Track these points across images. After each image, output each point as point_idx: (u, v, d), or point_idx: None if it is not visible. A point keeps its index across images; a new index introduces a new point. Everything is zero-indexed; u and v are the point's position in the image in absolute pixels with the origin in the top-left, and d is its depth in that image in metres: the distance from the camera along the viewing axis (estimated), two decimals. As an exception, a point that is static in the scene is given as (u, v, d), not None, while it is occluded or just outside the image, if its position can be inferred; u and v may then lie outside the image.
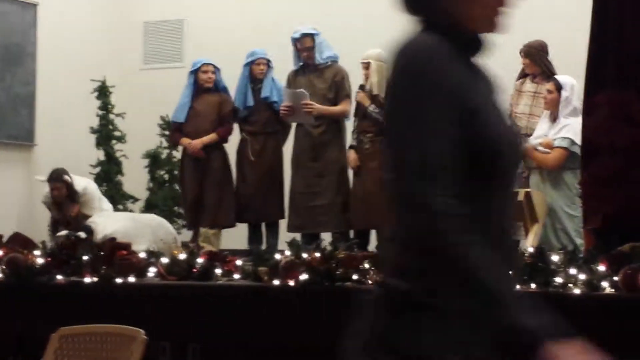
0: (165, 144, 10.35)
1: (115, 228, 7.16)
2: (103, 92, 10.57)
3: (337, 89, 8.65)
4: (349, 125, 8.73)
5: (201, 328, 5.67)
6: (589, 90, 5.99)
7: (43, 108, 10.51)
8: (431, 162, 2.10)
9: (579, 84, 7.09)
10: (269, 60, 8.92)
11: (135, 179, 10.46)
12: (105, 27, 11.35)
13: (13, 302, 6.13)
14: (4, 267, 6.31)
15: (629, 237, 5.21)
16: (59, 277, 6.13)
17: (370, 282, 5.42)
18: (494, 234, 2.18)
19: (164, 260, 6.14)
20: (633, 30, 5.76)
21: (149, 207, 10.19)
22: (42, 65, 10.57)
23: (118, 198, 10.19)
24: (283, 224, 8.77)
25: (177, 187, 9.83)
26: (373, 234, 8.47)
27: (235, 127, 9.03)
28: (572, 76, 7.58)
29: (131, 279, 6.02)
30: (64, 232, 7.29)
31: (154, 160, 10.49)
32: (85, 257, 6.14)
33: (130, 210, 10.14)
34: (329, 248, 5.78)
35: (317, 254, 5.65)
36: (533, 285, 4.98)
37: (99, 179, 10.06)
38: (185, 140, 8.91)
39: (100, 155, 10.49)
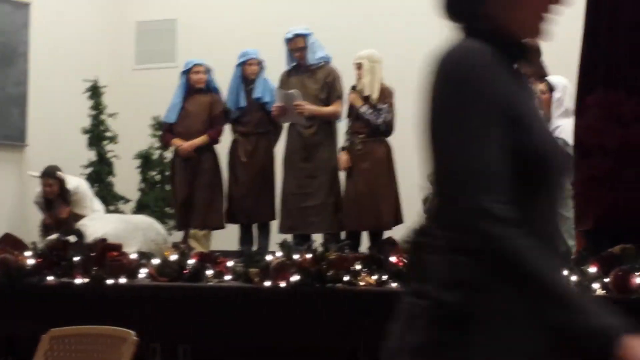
0: (157, 144, 10.34)
1: (105, 230, 7.16)
2: (95, 92, 10.56)
3: (329, 89, 8.65)
4: (341, 126, 8.73)
5: (192, 329, 5.67)
6: (581, 91, 5.99)
7: (35, 108, 10.48)
8: (477, 168, 2.07)
9: (571, 85, 7.09)
10: (261, 61, 8.92)
11: (127, 179, 10.45)
12: (97, 27, 11.33)
13: (3, 303, 6.12)
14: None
15: (620, 238, 5.21)
16: (50, 278, 6.12)
17: (362, 283, 5.41)
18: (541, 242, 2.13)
19: (155, 261, 6.13)
20: (624, 32, 5.76)
21: (140, 208, 10.18)
22: (34, 65, 10.55)
23: (109, 199, 10.17)
24: (274, 225, 8.77)
25: (168, 187, 9.82)
26: (365, 235, 8.47)
27: (227, 127, 9.03)
28: (564, 77, 7.58)
29: (122, 280, 6.01)
30: (54, 236, 7.27)
31: (145, 160, 10.47)
32: (76, 258, 6.13)
33: (122, 211, 10.12)
34: (320, 249, 5.78)
35: (308, 255, 5.65)
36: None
37: (91, 180, 10.03)
38: (177, 142, 8.90)
39: (92, 155, 10.47)
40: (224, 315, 5.65)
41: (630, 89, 5.73)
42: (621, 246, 5.01)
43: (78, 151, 10.27)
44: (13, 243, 6.54)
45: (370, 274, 5.53)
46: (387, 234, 7.94)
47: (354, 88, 8.55)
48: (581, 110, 5.98)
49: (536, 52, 8.15)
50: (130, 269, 6.10)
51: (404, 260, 5.49)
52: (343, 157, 8.48)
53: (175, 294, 5.87)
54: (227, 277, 6.00)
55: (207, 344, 5.62)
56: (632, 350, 1.99)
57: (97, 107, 10.53)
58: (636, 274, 4.70)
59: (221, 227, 8.92)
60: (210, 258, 6.15)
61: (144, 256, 6.29)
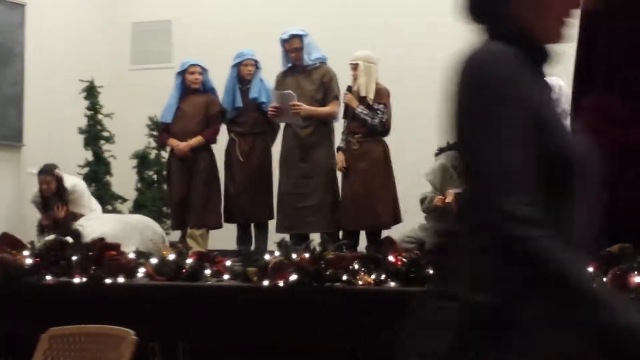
0: (153, 144, 10.35)
1: (103, 230, 7.16)
2: (91, 92, 10.56)
3: (325, 90, 8.66)
4: (338, 126, 8.75)
5: (191, 328, 5.67)
6: (577, 93, 6.01)
7: (31, 108, 10.48)
8: (501, 170, 2.07)
9: (567, 87, 7.11)
10: (256, 61, 8.94)
11: (124, 179, 10.45)
12: (93, 27, 11.33)
13: (2, 303, 6.12)
14: (-8, 267, 6.30)
15: (618, 238, 5.23)
16: (48, 277, 6.12)
17: (360, 282, 5.42)
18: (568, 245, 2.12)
19: (153, 260, 6.14)
20: (620, 34, 5.78)
21: (137, 208, 10.19)
22: (30, 65, 10.54)
23: (107, 198, 10.17)
24: (272, 224, 8.78)
25: (165, 187, 9.83)
26: (362, 235, 8.49)
27: (224, 127, 9.04)
28: (560, 79, 7.60)
29: (120, 280, 6.02)
30: (51, 237, 7.27)
31: (142, 160, 10.48)
32: (74, 258, 6.13)
33: (119, 211, 10.13)
34: (318, 249, 5.79)
35: (306, 255, 5.66)
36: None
37: (88, 179, 10.03)
38: (173, 142, 8.92)
39: (89, 155, 10.47)
40: (223, 314, 5.66)
41: (626, 91, 5.75)
42: (619, 245, 5.03)
43: (75, 151, 10.27)
44: (11, 242, 6.54)
45: (369, 273, 5.55)
46: (385, 233, 7.96)
47: (349, 89, 8.57)
48: (577, 113, 5.99)
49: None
50: (129, 269, 6.10)
51: (403, 259, 5.51)
52: (340, 158, 8.50)
53: (174, 293, 5.87)
54: (226, 277, 6.01)
55: (206, 343, 5.63)
56: None
57: (94, 107, 10.53)
58: (634, 273, 4.72)
59: (218, 226, 8.93)
60: (208, 257, 6.16)
61: (142, 256, 6.30)
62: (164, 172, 9.74)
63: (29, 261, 6.22)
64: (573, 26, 2.29)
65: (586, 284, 2.05)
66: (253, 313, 5.60)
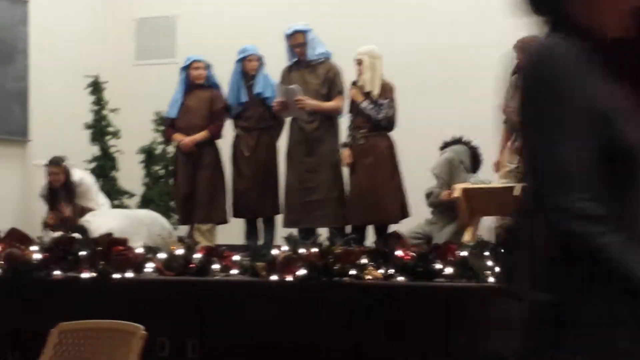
0: (159, 139, 10.36)
1: (110, 226, 7.16)
2: (96, 87, 10.57)
3: (330, 85, 8.66)
4: (343, 121, 8.75)
5: (200, 323, 5.67)
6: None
7: (36, 104, 10.48)
8: (563, 168, 2.07)
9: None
10: (260, 57, 8.94)
11: (131, 174, 10.46)
12: (97, 23, 11.34)
13: (10, 298, 6.12)
14: (1, 262, 6.30)
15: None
16: (57, 272, 6.12)
17: (369, 277, 5.41)
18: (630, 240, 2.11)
19: (161, 255, 6.13)
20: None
21: (144, 203, 10.20)
22: (34, 61, 10.54)
23: (114, 193, 10.19)
24: (279, 219, 8.79)
25: (172, 182, 9.83)
26: (370, 230, 8.49)
27: (229, 123, 9.04)
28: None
29: (129, 275, 6.01)
30: (58, 234, 7.27)
31: (148, 155, 10.49)
32: (82, 253, 6.12)
33: (127, 206, 10.14)
34: (326, 243, 5.79)
35: (315, 250, 5.65)
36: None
37: (95, 175, 10.04)
38: (178, 137, 8.93)
39: (95, 150, 10.49)
40: (232, 309, 5.65)
41: (633, 83, 5.73)
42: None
43: (81, 146, 10.28)
44: (19, 238, 6.54)
45: (377, 267, 5.54)
46: (394, 227, 7.96)
47: (354, 84, 8.57)
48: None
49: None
50: (137, 264, 6.10)
51: (411, 254, 5.50)
52: (345, 154, 8.50)
53: (182, 288, 5.87)
54: (234, 271, 6.00)
55: (214, 338, 5.62)
56: None
57: (99, 102, 10.53)
58: None
59: (224, 221, 8.94)
60: (216, 252, 6.15)
61: (150, 250, 6.29)
62: (171, 167, 9.75)
63: (37, 256, 6.22)
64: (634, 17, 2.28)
65: None
66: (261, 308, 5.60)
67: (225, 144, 9.03)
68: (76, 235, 6.82)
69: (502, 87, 8.29)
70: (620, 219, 2.10)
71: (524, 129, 2.17)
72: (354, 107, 8.54)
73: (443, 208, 8.32)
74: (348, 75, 8.69)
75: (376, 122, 8.39)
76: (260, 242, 8.67)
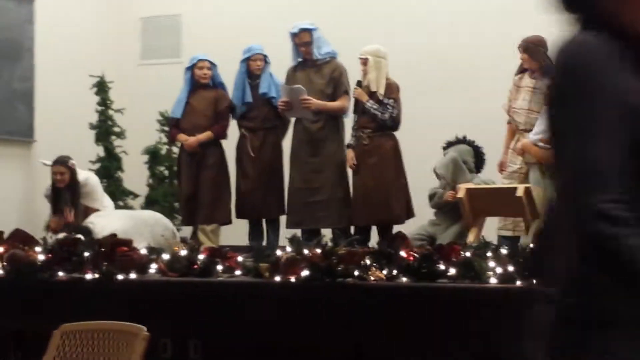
0: (164, 139, 10.36)
1: (113, 227, 7.15)
2: (101, 87, 10.56)
3: (335, 84, 8.65)
4: (348, 121, 8.74)
5: (202, 324, 5.67)
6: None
7: (42, 104, 10.49)
8: (594, 168, 2.05)
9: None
10: (265, 56, 8.93)
11: (135, 175, 10.46)
12: (103, 22, 11.34)
13: (14, 299, 6.12)
14: (4, 263, 6.30)
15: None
16: (60, 273, 6.12)
17: (372, 278, 5.41)
18: None
19: (165, 256, 6.13)
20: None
21: (149, 203, 10.19)
22: (40, 61, 10.55)
23: (118, 194, 10.18)
24: (283, 220, 8.78)
25: (176, 182, 9.83)
26: (374, 230, 8.48)
27: (234, 123, 9.04)
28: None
29: (132, 276, 6.01)
30: (62, 235, 7.27)
31: (153, 156, 10.49)
32: (86, 254, 6.13)
33: (131, 207, 10.14)
34: (329, 244, 5.78)
35: (318, 250, 5.65)
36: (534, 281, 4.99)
37: (99, 175, 10.02)
38: (182, 137, 8.92)
39: (100, 151, 10.49)
40: (235, 310, 5.65)
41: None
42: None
43: (86, 147, 10.28)
44: (23, 239, 6.54)
45: (380, 268, 5.54)
46: (396, 228, 7.95)
47: (359, 83, 8.56)
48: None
49: (542, 46, 8.16)
50: (141, 265, 6.10)
51: (415, 255, 5.50)
52: (350, 155, 8.48)
53: (186, 289, 5.87)
54: (237, 272, 6.00)
55: (217, 339, 5.63)
56: None
57: (104, 102, 10.53)
58: None
59: (228, 222, 8.92)
60: (220, 253, 6.15)
61: (154, 251, 6.29)
62: (175, 168, 9.75)
63: (41, 257, 6.22)
64: None
65: None
66: (264, 308, 5.60)
67: (230, 144, 9.03)
68: (80, 236, 6.83)
69: (505, 87, 8.29)
70: None
71: (554, 126, 2.14)
72: (359, 107, 8.53)
73: (447, 209, 8.31)
74: (351, 74, 8.68)
75: (382, 121, 8.38)
76: (264, 243, 8.66)
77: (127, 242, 6.27)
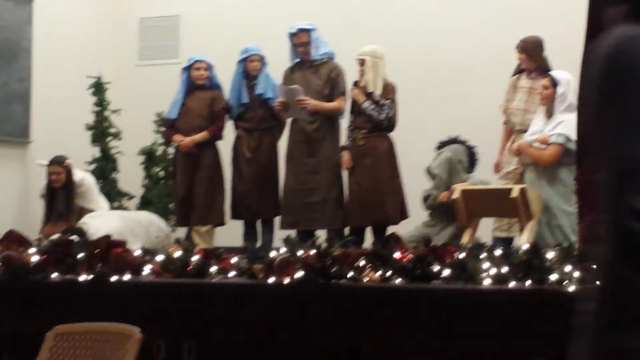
0: (160, 140, 10.35)
1: (108, 228, 7.15)
2: (98, 88, 10.56)
3: (333, 85, 8.65)
4: (344, 122, 8.74)
5: (196, 326, 5.66)
6: (584, 86, 5.97)
7: (38, 105, 10.49)
8: (631, 164, 1.99)
9: (574, 80, 7.08)
10: (262, 57, 8.93)
11: (131, 175, 10.45)
12: (100, 23, 11.34)
13: (7, 300, 6.12)
14: (-2, 265, 6.29)
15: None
16: (54, 275, 6.11)
17: (366, 279, 5.40)
18: None
19: (159, 257, 6.13)
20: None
21: (144, 204, 10.19)
22: (37, 61, 10.55)
23: (113, 195, 10.18)
24: (278, 221, 8.78)
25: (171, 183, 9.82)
26: (368, 232, 8.47)
27: (230, 123, 9.04)
28: (568, 72, 7.57)
29: (126, 277, 6.01)
30: (56, 236, 7.26)
31: (149, 157, 10.48)
32: (80, 255, 6.12)
33: (126, 208, 10.14)
34: (324, 245, 5.77)
35: (313, 252, 5.64)
36: (528, 282, 4.99)
37: (95, 176, 10.03)
38: (178, 137, 8.93)
39: (96, 152, 10.48)
40: (229, 311, 5.65)
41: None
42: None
43: (82, 147, 10.26)
44: (17, 240, 6.53)
45: (375, 270, 5.53)
46: (391, 229, 7.95)
47: (356, 84, 8.56)
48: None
49: (539, 46, 8.16)
50: (135, 266, 6.09)
51: (409, 256, 5.49)
52: (345, 157, 8.48)
53: (180, 290, 5.86)
54: (232, 274, 5.99)
55: (211, 341, 5.62)
56: None
57: (101, 103, 10.53)
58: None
59: (222, 223, 8.93)
60: (214, 254, 6.14)
61: (148, 253, 6.29)
62: (170, 169, 9.75)
63: (35, 258, 6.22)
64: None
65: None
66: (259, 310, 5.59)
67: (226, 145, 9.03)
68: (74, 237, 6.82)
69: (502, 88, 8.29)
70: None
71: (594, 122, 2.11)
72: (355, 108, 8.53)
73: (442, 210, 8.30)
74: (349, 76, 8.68)
75: (378, 122, 8.38)
76: (259, 243, 8.66)
77: (122, 243, 6.26)
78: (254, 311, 5.59)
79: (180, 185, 8.92)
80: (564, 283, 4.87)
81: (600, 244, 2.10)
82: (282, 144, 8.88)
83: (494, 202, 7.62)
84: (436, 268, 5.40)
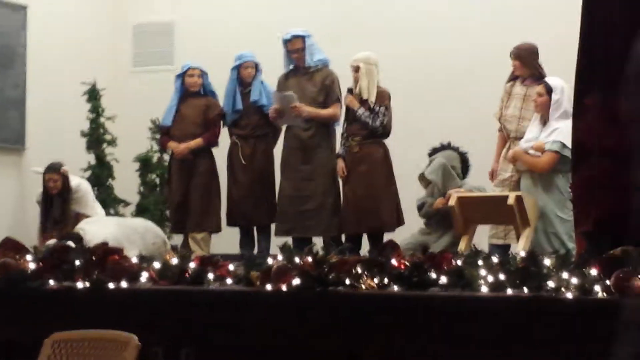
0: (155, 147, 10.36)
1: (105, 235, 7.16)
2: (93, 95, 10.56)
3: (327, 92, 8.67)
4: (338, 129, 8.75)
5: (194, 333, 5.66)
6: (579, 93, 5.99)
7: (33, 111, 10.49)
8: None
9: (569, 87, 7.11)
10: (257, 64, 8.95)
11: (126, 182, 10.46)
12: (95, 29, 11.35)
13: (4, 308, 6.11)
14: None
15: (620, 240, 5.22)
16: (51, 282, 6.11)
17: (363, 286, 5.41)
18: None
19: (156, 265, 6.13)
20: (622, 33, 5.76)
21: (140, 211, 10.20)
22: (32, 68, 10.56)
23: (109, 202, 10.19)
24: (273, 228, 8.79)
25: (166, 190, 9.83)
26: (365, 239, 8.48)
27: (225, 131, 9.05)
28: (562, 79, 7.60)
29: (123, 284, 6.00)
30: (52, 241, 7.26)
31: (144, 164, 10.49)
32: (77, 262, 6.11)
33: (122, 215, 10.14)
34: (321, 252, 5.78)
35: (310, 259, 5.65)
36: (525, 290, 4.99)
37: (90, 183, 10.03)
38: (172, 144, 8.94)
39: (91, 159, 10.48)
40: (226, 318, 5.65)
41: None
42: (622, 248, 5.01)
43: (77, 154, 10.27)
44: (14, 247, 6.52)
45: (372, 277, 5.53)
46: (387, 236, 7.96)
47: (350, 91, 8.57)
48: (580, 112, 5.97)
49: (533, 53, 8.18)
50: (132, 273, 6.08)
51: (406, 263, 5.50)
52: (340, 165, 8.49)
53: (177, 297, 5.86)
54: (229, 281, 5.99)
55: (209, 348, 5.62)
56: None
57: (96, 110, 10.53)
58: (638, 276, 4.70)
59: (217, 230, 8.93)
60: (211, 261, 6.14)
61: (145, 260, 6.28)
62: (166, 175, 9.75)
63: (31, 266, 6.21)
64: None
65: None
66: (256, 317, 5.59)
67: (221, 152, 9.03)
68: (70, 243, 6.82)
69: (496, 95, 8.30)
70: None
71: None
72: (350, 115, 8.54)
73: (437, 218, 8.31)
74: (343, 82, 8.70)
75: (373, 129, 8.39)
76: (256, 251, 8.67)
77: (119, 251, 6.26)
78: (252, 318, 5.59)
79: (176, 192, 8.93)
80: (561, 290, 4.88)
81: None
82: (278, 151, 8.89)
83: (490, 210, 7.64)
84: (433, 275, 5.41)
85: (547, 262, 5.11)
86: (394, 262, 5.55)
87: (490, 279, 5.14)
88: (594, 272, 4.91)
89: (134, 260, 6.24)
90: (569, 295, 4.82)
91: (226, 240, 8.98)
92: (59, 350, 4.43)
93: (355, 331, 5.32)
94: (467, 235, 7.71)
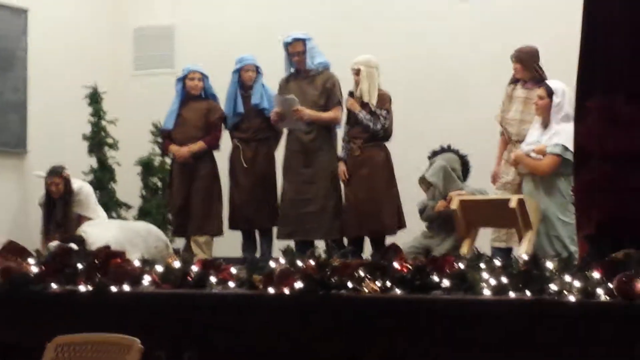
0: (157, 150, 10.36)
1: (107, 238, 7.16)
2: (94, 98, 10.57)
3: (328, 95, 8.68)
4: (340, 132, 8.76)
5: (196, 336, 5.67)
6: (580, 96, 6.00)
7: (35, 115, 10.50)
8: None
9: (570, 90, 7.11)
10: (258, 67, 8.96)
11: (128, 186, 10.47)
12: (96, 33, 11.35)
13: (7, 311, 6.11)
14: (-2, 276, 6.29)
15: (623, 243, 5.22)
16: (54, 285, 6.11)
17: (366, 289, 5.41)
18: None
19: (159, 268, 6.13)
20: (623, 36, 5.76)
21: (142, 215, 10.20)
22: (33, 71, 10.56)
23: (111, 205, 10.19)
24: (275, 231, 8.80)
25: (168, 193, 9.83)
26: (367, 242, 8.48)
27: (227, 134, 9.05)
28: (563, 82, 7.60)
29: (126, 287, 6.01)
30: (54, 243, 7.27)
31: (146, 167, 10.49)
32: (79, 266, 6.12)
33: (124, 218, 10.14)
34: (323, 256, 5.78)
35: (312, 262, 5.65)
36: (528, 293, 5.00)
37: (92, 186, 10.04)
38: (174, 148, 8.94)
39: (93, 162, 10.49)
40: (229, 322, 5.65)
41: (630, 94, 5.73)
42: (624, 251, 5.02)
43: (79, 158, 10.28)
44: (16, 251, 6.52)
45: (374, 280, 5.53)
46: (389, 239, 7.97)
47: (351, 94, 8.58)
48: (581, 115, 5.98)
49: (534, 56, 8.18)
50: (134, 276, 6.08)
51: (409, 266, 5.50)
52: (341, 168, 8.49)
53: (180, 301, 5.86)
54: (231, 284, 5.99)
55: (212, 351, 5.62)
56: None
57: (97, 113, 10.54)
58: (640, 279, 4.71)
59: (219, 233, 8.94)
60: (213, 265, 6.14)
61: (147, 263, 6.29)
62: (168, 179, 9.76)
63: (34, 269, 6.21)
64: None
65: None
66: (258, 320, 5.60)
67: (223, 155, 9.04)
68: (73, 245, 6.82)
69: (498, 98, 8.30)
70: None
71: None
72: (351, 118, 8.55)
73: (439, 221, 8.30)
74: (344, 86, 8.70)
75: (374, 132, 8.40)
76: (258, 254, 8.67)
77: (121, 254, 6.26)
78: (255, 321, 5.59)
79: (177, 196, 8.94)
80: (564, 293, 4.88)
81: None
82: (279, 154, 8.89)
83: (492, 213, 7.64)
84: (436, 278, 5.41)
85: (550, 265, 5.11)
86: (396, 265, 5.55)
87: (492, 282, 5.14)
88: (596, 275, 4.91)
89: (137, 263, 6.24)
90: (572, 298, 4.82)
91: (228, 244, 8.98)
92: (62, 353, 4.43)
93: (358, 334, 5.32)
94: (470, 238, 7.71)
